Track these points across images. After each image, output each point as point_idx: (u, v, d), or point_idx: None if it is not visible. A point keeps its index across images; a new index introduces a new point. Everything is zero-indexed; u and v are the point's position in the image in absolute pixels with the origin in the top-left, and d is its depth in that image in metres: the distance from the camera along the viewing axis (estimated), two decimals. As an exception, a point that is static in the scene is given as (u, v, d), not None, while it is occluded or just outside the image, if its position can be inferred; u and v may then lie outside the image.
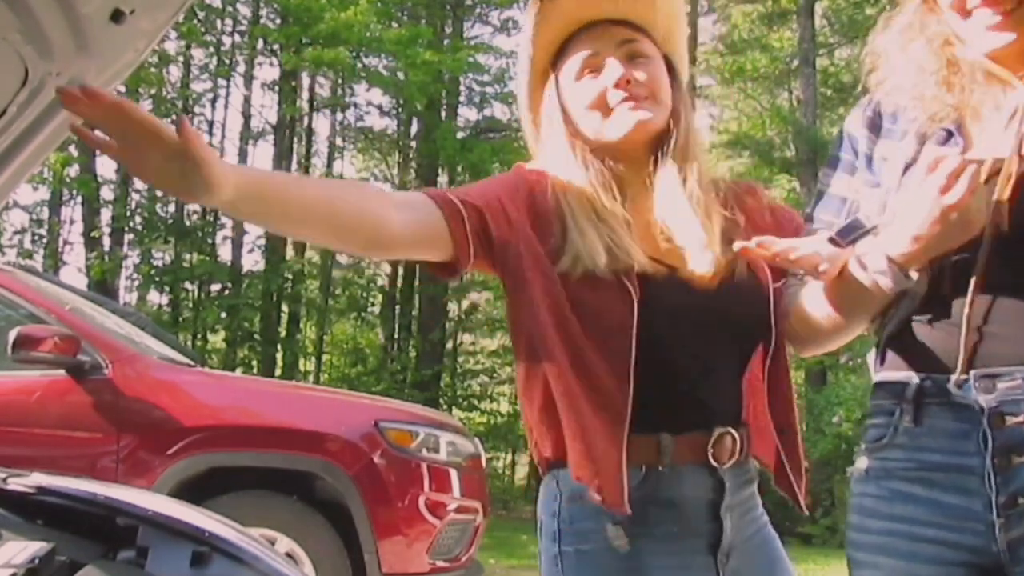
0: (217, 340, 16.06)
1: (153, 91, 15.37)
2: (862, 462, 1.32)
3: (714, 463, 1.36)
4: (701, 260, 1.36)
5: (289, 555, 3.91)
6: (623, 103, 1.41)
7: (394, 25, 15.52)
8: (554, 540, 1.39)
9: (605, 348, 1.33)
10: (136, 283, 15.91)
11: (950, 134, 1.26)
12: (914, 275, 1.22)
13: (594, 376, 1.32)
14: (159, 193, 16.20)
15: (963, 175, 1.13)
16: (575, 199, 1.41)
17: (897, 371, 1.30)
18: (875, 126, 1.36)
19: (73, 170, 14.46)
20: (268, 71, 19.24)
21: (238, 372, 13.77)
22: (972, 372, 1.21)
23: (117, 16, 1.21)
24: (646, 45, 1.45)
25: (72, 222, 16.13)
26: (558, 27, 1.45)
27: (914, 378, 1.27)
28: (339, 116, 18.56)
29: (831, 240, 1.25)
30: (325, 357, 18.12)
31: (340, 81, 16.73)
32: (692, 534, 1.36)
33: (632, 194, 1.44)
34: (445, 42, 16.18)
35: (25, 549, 1.22)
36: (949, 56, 1.29)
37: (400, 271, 17.91)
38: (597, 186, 1.41)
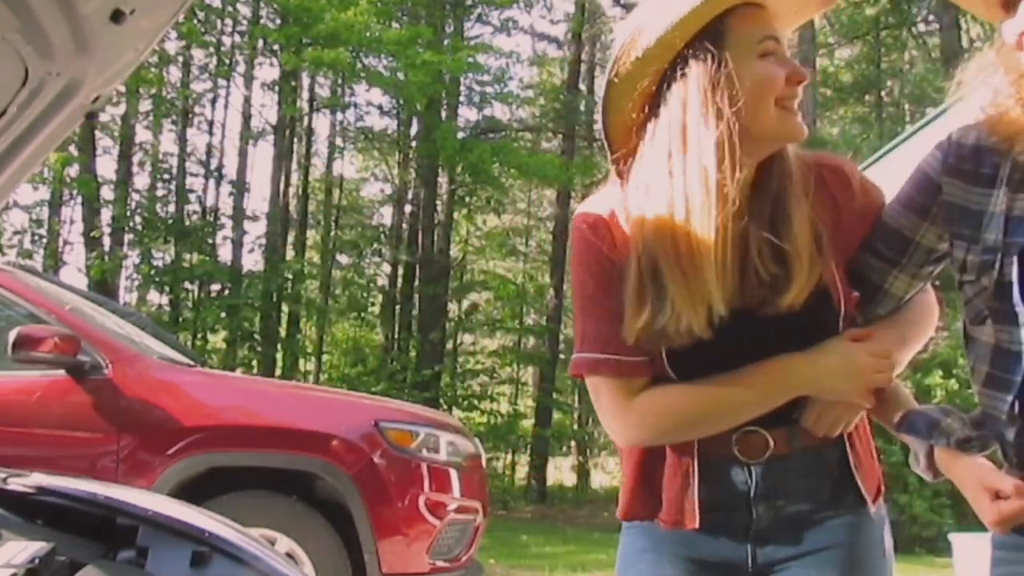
0: (217, 340, 16.07)
1: (153, 91, 15.39)
2: None
3: (743, 459, 1.39)
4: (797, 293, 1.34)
5: (289, 555, 3.91)
6: (795, 101, 1.36)
7: (394, 25, 15.53)
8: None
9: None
10: (136, 283, 15.94)
11: None
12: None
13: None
14: (159, 193, 16.26)
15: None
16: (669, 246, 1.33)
17: None
18: (963, 173, 1.33)
19: (73, 170, 14.48)
20: (268, 71, 19.27)
21: (238, 372, 13.77)
22: None
23: (117, 16, 1.21)
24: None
25: (72, 222, 16.17)
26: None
27: None
28: (339, 116, 18.58)
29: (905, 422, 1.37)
30: (325, 357, 18.13)
31: (340, 81, 16.74)
32: (723, 522, 1.40)
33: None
34: (445, 42, 16.19)
35: (25, 549, 1.22)
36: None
37: (400, 271, 17.93)
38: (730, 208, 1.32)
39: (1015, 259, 1.24)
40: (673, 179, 1.33)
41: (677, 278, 1.31)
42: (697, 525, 1.39)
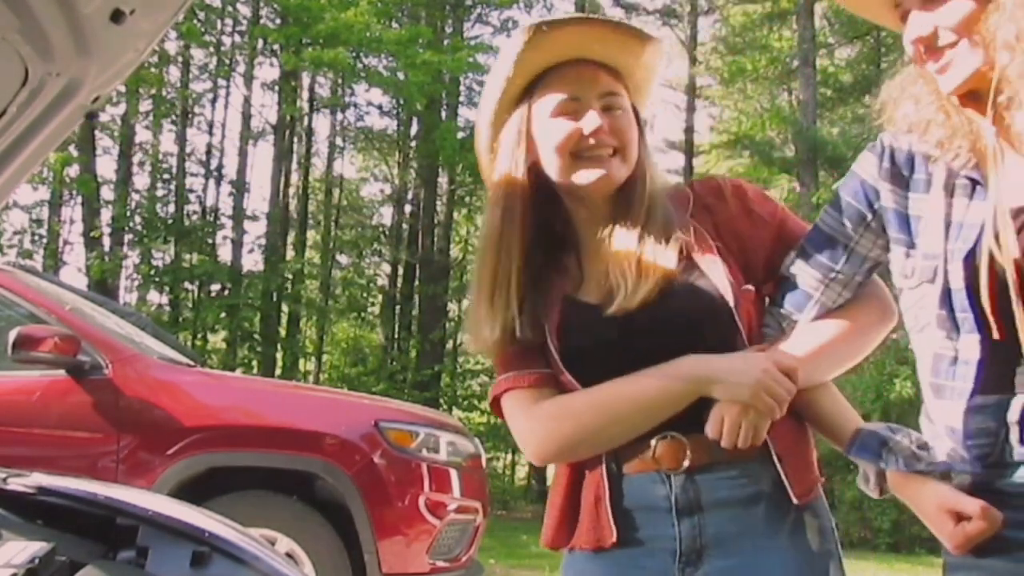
0: (217, 340, 16.08)
1: (153, 91, 15.40)
2: None
3: (663, 469, 1.39)
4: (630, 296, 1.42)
5: (289, 555, 3.91)
6: (594, 152, 1.46)
7: (394, 25, 15.53)
8: None
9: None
10: (136, 283, 15.94)
11: (974, 184, 1.28)
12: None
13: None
14: (159, 193, 16.26)
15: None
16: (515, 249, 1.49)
17: None
18: (897, 178, 1.35)
19: (73, 170, 14.49)
20: (268, 71, 19.30)
21: (238, 372, 13.78)
22: None
23: (117, 16, 1.21)
24: (623, 98, 1.49)
25: (72, 222, 16.18)
26: (546, 57, 1.47)
27: None
28: (339, 116, 18.59)
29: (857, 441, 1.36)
30: (325, 357, 18.14)
31: (340, 81, 16.74)
32: (646, 540, 1.39)
33: (584, 230, 1.52)
34: (445, 42, 16.20)
35: (25, 549, 1.22)
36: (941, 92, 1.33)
37: (400, 271, 17.93)
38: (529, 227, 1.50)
39: (960, 265, 1.23)
40: (491, 219, 1.52)
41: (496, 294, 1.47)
42: (615, 539, 1.38)
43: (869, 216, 1.37)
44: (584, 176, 1.46)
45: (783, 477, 1.38)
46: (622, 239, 1.46)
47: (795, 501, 1.37)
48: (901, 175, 1.34)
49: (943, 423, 1.28)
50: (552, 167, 1.48)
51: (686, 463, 1.37)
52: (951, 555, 1.29)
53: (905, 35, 1.32)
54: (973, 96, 1.29)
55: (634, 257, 1.43)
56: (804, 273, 1.42)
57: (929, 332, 1.29)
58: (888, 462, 1.31)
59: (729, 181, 1.55)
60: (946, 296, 1.25)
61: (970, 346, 1.24)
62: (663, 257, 1.43)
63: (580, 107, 1.46)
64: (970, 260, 1.22)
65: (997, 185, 1.23)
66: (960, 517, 1.25)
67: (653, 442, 1.38)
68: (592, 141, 1.45)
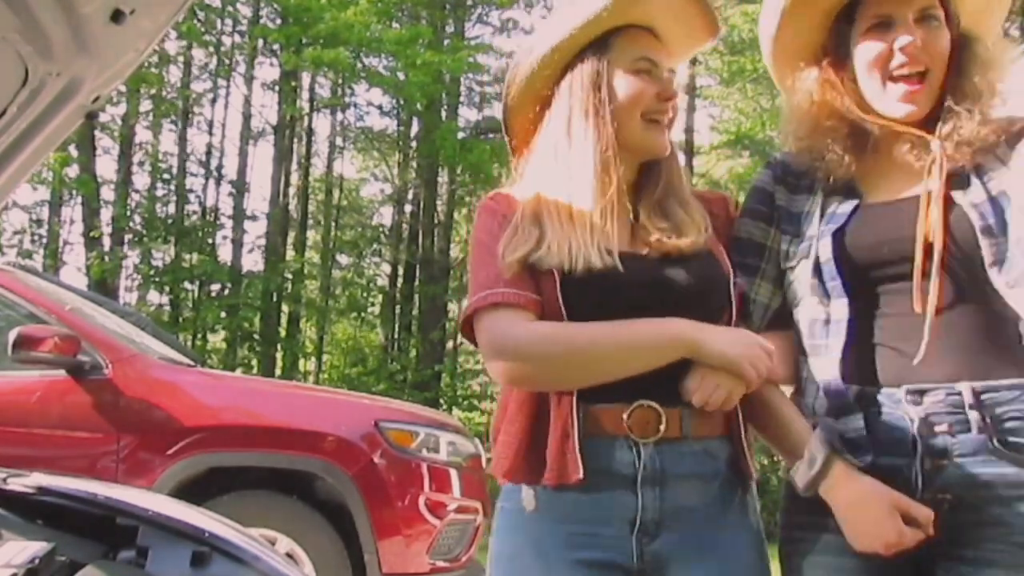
0: (217, 340, 16.07)
1: (153, 91, 15.39)
2: None
3: (634, 437, 1.40)
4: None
5: (289, 555, 3.91)
6: (664, 118, 1.55)
7: (394, 25, 15.52)
8: (499, 498, 1.55)
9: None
10: (136, 283, 15.92)
11: (848, 186, 1.51)
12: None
13: None
14: (159, 193, 16.26)
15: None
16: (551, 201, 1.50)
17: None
18: (787, 182, 1.59)
19: (73, 170, 14.46)
20: (268, 71, 19.29)
21: (238, 372, 13.77)
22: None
23: (117, 16, 1.21)
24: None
25: (72, 222, 16.15)
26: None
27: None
28: (339, 116, 18.57)
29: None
30: (325, 357, 18.13)
31: (340, 81, 16.73)
32: (604, 505, 1.41)
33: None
34: (445, 42, 16.19)
35: (25, 549, 1.22)
36: (853, 118, 1.52)
37: (400, 271, 17.93)
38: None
39: (829, 240, 1.46)
40: (558, 159, 1.51)
41: (554, 224, 1.46)
42: (580, 476, 1.39)
43: (774, 215, 1.58)
44: (658, 141, 1.53)
45: (745, 454, 1.46)
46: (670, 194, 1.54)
47: (751, 478, 1.48)
48: (790, 181, 1.58)
49: (819, 379, 1.45)
50: (628, 123, 1.51)
51: (659, 433, 1.40)
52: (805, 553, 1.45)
53: (896, 42, 1.47)
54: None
55: (679, 211, 1.52)
56: (742, 281, 1.55)
57: (805, 303, 1.49)
58: (843, 452, 1.42)
59: (734, 200, 1.66)
60: (816, 267, 1.47)
61: (839, 308, 1.44)
62: (699, 219, 1.52)
63: (656, 70, 1.54)
64: (838, 236, 1.46)
65: (941, 179, 1.43)
66: (906, 520, 1.36)
67: (627, 411, 1.40)
68: (669, 105, 1.54)
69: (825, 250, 1.46)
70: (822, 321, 1.47)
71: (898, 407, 1.40)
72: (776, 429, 1.50)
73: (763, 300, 1.56)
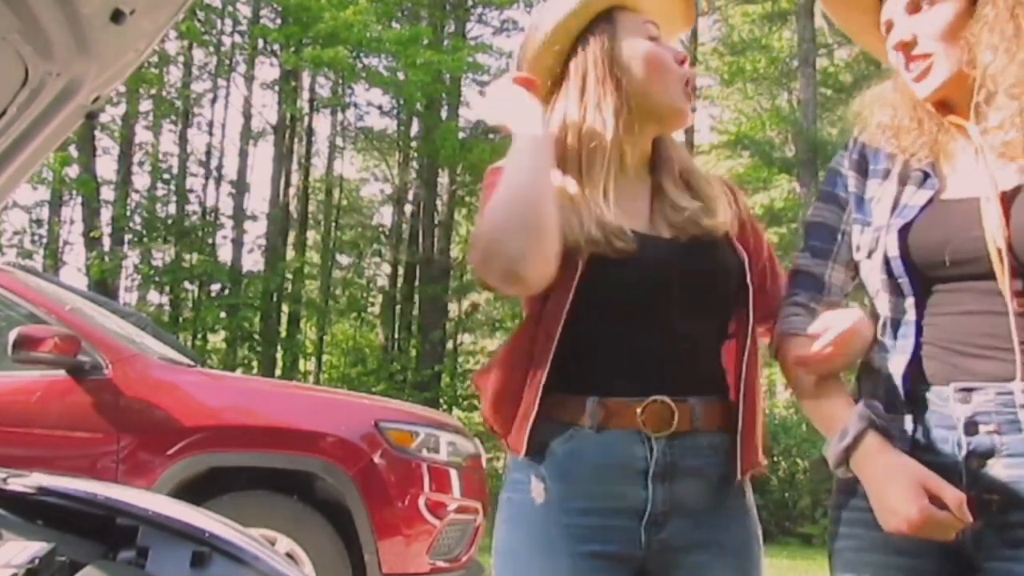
0: (217, 340, 16.06)
1: (153, 91, 15.39)
2: None
3: (646, 431, 1.41)
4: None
5: (289, 555, 3.91)
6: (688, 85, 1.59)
7: (394, 25, 15.52)
8: (504, 488, 1.52)
9: (549, 309, 1.44)
10: (136, 283, 15.92)
11: (926, 175, 1.45)
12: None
13: (535, 336, 1.45)
14: (159, 193, 16.25)
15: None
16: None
17: None
18: (861, 168, 1.53)
19: (73, 170, 14.47)
20: (268, 71, 19.25)
21: (238, 372, 13.77)
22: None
23: (117, 16, 1.21)
24: None
25: (72, 222, 16.15)
26: None
27: None
28: (339, 116, 18.57)
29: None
30: (325, 357, 18.12)
31: (340, 81, 16.72)
32: (615, 498, 1.41)
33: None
34: (445, 42, 16.19)
35: (25, 549, 1.22)
36: (916, 102, 1.48)
37: (400, 271, 17.93)
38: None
39: (895, 235, 1.41)
40: (573, 132, 1.50)
41: (570, 198, 1.45)
42: (523, 453, 1.42)
43: (847, 199, 1.54)
44: (686, 106, 1.57)
45: (738, 447, 1.46)
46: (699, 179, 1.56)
47: (748, 470, 1.47)
48: (864, 166, 1.53)
49: (881, 372, 1.42)
50: (667, 83, 1.53)
51: (671, 428, 1.41)
52: (852, 549, 1.42)
53: (888, 41, 1.48)
54: (946, 104, 1.46)
55: (705, 185, 1.54)
56: (811, 262, 1.54)
57: (880, 297, 1.45)
58: (878, 424, 1.38)
59: (739, 191, 1.65)
60: (886, 263, 1.42)
61: (910, 307, 1.41)
62: (726, 204, 1.54)
63: (661, 36, 1.58)
64: (904, 233, 1.40)
65: (990, 176, 1.37)
66: (932, 500, 1.31)
67: (640, 406, 1.41)
68: (687, 67, 1.59)
69: (892, 246, 1.42)
70: (892, 320, 1.43)
71: (946, 405, 1.37)
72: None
73: (838, 283, 1.54)
